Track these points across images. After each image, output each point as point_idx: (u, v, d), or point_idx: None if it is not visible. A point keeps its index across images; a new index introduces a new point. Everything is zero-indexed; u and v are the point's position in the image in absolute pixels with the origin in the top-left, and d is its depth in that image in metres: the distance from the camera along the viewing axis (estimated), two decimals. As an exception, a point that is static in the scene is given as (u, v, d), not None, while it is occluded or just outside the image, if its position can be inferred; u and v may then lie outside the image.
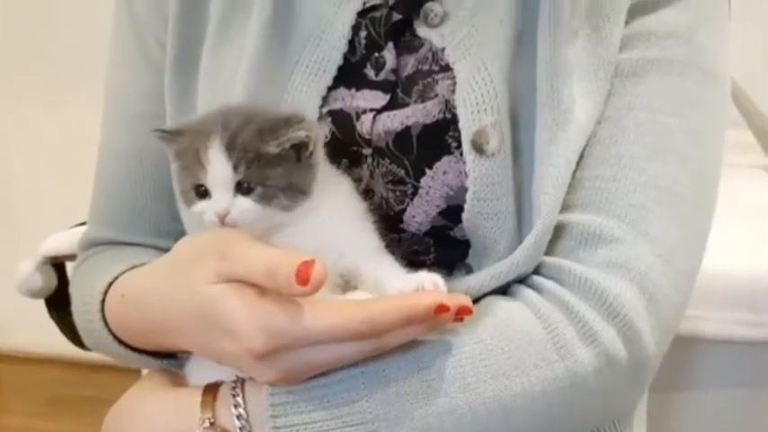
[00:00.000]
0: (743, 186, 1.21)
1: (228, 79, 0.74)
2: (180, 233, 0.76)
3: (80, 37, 2.37)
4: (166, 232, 0.81)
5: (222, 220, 0.62)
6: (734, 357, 1.02)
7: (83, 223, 1.28)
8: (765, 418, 1.04)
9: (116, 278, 0.74)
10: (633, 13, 0.70)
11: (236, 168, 0.61)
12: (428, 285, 0.59)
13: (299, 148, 0.62)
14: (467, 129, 0.67)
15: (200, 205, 0.63)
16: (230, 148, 0.61)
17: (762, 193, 1.31)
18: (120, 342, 0.74)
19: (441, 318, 0.57)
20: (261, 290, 0.58)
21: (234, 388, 0.62)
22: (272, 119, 0.63)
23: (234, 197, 0.61)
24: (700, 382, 1.04)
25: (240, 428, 0.60)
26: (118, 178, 0.83)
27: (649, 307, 0.64)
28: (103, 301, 0.74)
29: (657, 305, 0.65)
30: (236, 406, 0.61)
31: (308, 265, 0.55)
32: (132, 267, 0.74)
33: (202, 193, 0.62)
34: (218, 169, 0.61)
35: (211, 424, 0.61)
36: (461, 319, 0.59)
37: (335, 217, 0.66)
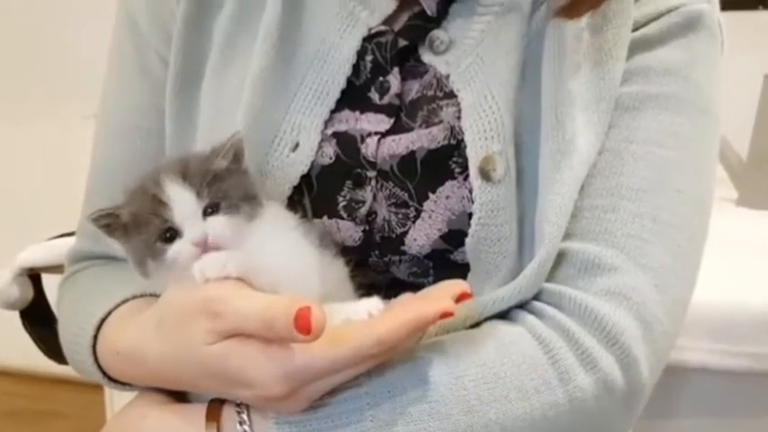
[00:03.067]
0: (714, 220, 1.25)
1: (232, 100, 0.74)
2: None
3: (57, 53, 2.36)
4: None
5: (203, 248, 0.61)
6: (710, 386, 1.05)
7: (61, 235, 1.27)
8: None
9: (109, 313, 0.73)
10: (633, 50, 0.72)
11: (198, 194, 0.61)
12: (374, 312, 0.61)
13: (239, 158, 0.64)
14: (474, 155, 0.69)
15: (174, 248, 0.61)
16: (186, 177, 0.61)
17: (732, 227, 1.35)
18: (111, 379, 0.74)
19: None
20: (263, 338, 0.57)
21: (239, 405, 0.62)
22: (208, 150, 0.64)
23: (204, 221, 0.61)
24: (678, 410, 1.06)
25: None
26: (110, 192, 0.81)
27: (645, 335, 0.66)
28: (95, 337, 0.73)
29: (653, 333, 0.66)
30: (240, 423, 0.61)
31: (305, 312, 0.54)
32: (124, 301, 0.73)
33: (169, 238, 0.61)
34: (183, 201, 0.61)
35: None
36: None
37: (273, 239, 0.66)
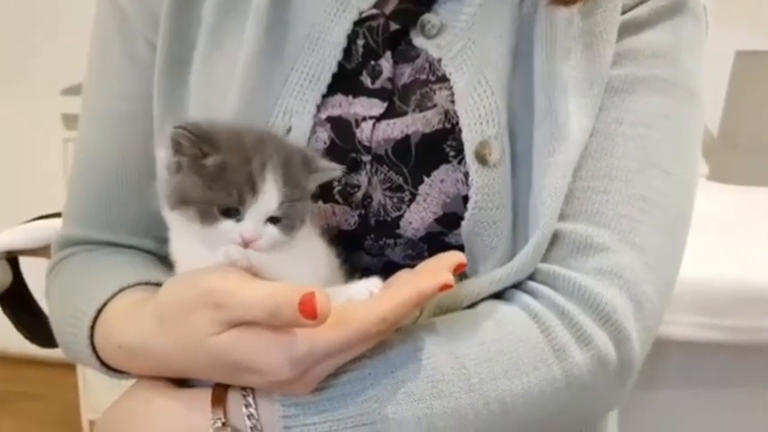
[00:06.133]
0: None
1: (222, 85, 0.74)
2: (159, 234, 0.73)
3: (36, 32, 2.33)
4: (145, 232, 0.80)
5: (247, 244, 0.61)
6: (690, 358, 1.08)
7: (38, 218, 1.26)
8: (717, 416, 1.10)
9: (105, 304, 0.72)
10: (622, 33, 0.73)
11: (281, 203, 0.61)
12: (375, 291, 0.62)
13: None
14: (470, 140, 0.69)
15: (226, 225, 0.61)
16: (285, 182, 0.61)
17: (704, 202, 1.37)
18: (109, 367, 0.73)
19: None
20: (267, 324, 0.58)
21: (244, 389, 0.63)
22: (304, 152, 0.65)
23: (264, 225, 0.62)
24: (661, 381, 1.09)
25: (251, 428, 0.61)
26: (99, 177, 0.82)
27: (636, 313, 0.68)
28: (92, 327, 0.72)
29: (644, 310, 0.68)
30: (246, 406, 0.62)
31: (309, 298, 0.55)
32: (120, 290, 0.73)
33: (227, 212, 0.61)
34: (270, 200, 0.61)
35: (223, 424, 0.61)
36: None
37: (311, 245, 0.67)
